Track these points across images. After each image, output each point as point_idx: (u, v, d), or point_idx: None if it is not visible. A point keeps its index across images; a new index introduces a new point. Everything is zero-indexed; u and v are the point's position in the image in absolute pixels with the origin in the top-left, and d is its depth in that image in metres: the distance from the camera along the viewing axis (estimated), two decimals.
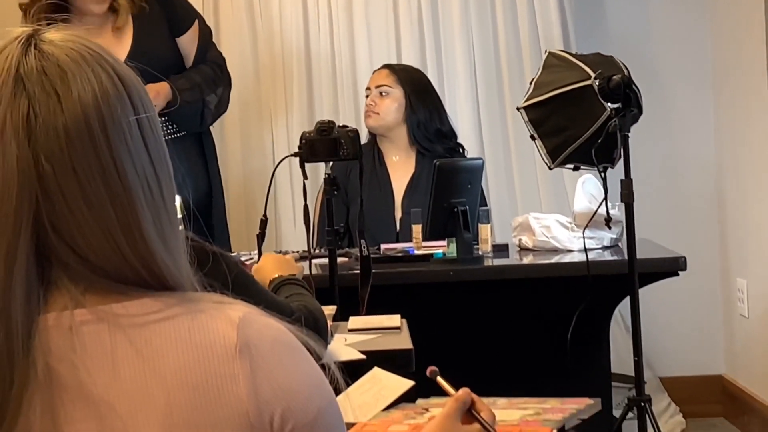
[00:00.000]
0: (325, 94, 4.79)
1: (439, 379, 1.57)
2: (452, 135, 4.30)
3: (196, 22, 4.19)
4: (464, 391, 1.48)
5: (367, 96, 4.30)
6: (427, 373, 1.59)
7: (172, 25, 4.11)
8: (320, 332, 2.27)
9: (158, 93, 3.94)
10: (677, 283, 3.95)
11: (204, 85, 4.13)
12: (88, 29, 3.90)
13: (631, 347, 3.52)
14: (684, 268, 3.65)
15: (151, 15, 4.04)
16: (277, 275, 2.56)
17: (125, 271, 1.11)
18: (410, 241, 3.83)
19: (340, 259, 3.42)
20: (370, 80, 4.33)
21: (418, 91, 4.24)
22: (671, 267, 3.69)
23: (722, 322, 4.95)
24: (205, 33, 4.21)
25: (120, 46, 3.98)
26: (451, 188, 3.73)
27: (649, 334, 4.28)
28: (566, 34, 4.77)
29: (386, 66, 4.34)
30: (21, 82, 1.10)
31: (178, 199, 1.20)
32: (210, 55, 4.20)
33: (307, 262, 3.18)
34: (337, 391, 1.20)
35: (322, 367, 1.16)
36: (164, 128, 4.02)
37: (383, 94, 4.23)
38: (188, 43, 4.15)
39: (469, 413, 1.48)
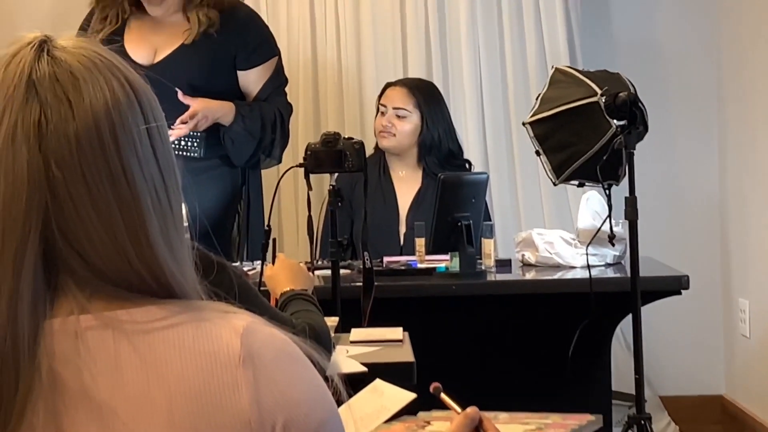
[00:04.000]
0: (330, 106, 4.80)
1: (443, 395, 1.57)
2: (460, 153, 4.31)
3: (272, 60, 4.09)
4: (473, 409, 1.49)
5: (381, 113, 4.26)
6: (431, 390, 1.59)
7: (239, 57, 4.02)
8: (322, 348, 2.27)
9: (208, 108, 3.90)
10: (679, 302, 3.95)
11: (268, 122, 4.05)
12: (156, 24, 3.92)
13: (632, 365, 3.51)
14: (687, 287, 3.65)
15: (219, 39, 3.96)
16: (288, 288, 2.55)
17: (131, 277, 1.11)
18: (413, 254, 3.83)
19: (342, 271, 3.42)
20: (386, 97, 4.28)
21: (434, 114, 4.23)
22: (674, 286, 3.69)
23: (723, 341, 4.95)
24: (276, 79, 4.10)
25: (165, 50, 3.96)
26: (455, 202, 3.74)
27: (650, 353, 4.27)
28: (573, 50, 4.78)
29: (405, 85, 4.29)
30: (33, 87, 1.10)
31: (184, 207, 1.20)
32: (276, 99, 4.11)
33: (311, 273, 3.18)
34: (339, 403, 1.20)
35: (326, 379, 1.16)
36: (195, 148, 3.97)
37: (400, 116, 4.22)
38: (254, 78, 4.07)
39: None
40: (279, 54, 4.15)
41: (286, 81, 4.19)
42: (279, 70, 4.13)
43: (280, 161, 4.20)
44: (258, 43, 4.07)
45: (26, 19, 4.74)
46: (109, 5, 3.99)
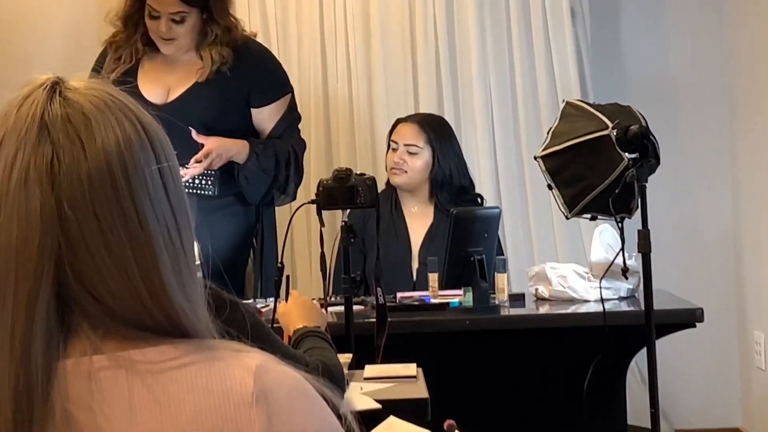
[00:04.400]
0: (342, 142, 4.81)
1: None
2: (472, 187, 4.31)
3: (285, 97, 4.10)
4: None
5: (393, 149, 4.26)
6: (445, 427, 1.59)
7: (253, 94, 4.03)
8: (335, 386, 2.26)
9: (222, 146, 3.91)
10: (694, 335, 3.93)
11: (282, 159, 4.06)
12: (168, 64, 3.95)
13: (647, 399, 3.49)
14: (701, 320, 3.64)
15: (232, 77, 3.97)
16: (301, 325, 2.55)
17: (144, 317, 1.11)
18: (426, 290, 3.82)
19: (356, 307, 3.42)
20: (397, 134, 4.27)
21: (445, 150, 4.23)
22: (688, 318, 3.68)
23: (739, 374, 4.92)
24: (289, 116, 4.11)
25: (180, 88, 3.98)
26: (467, 237, 3.73)
27: (666, 386, 4.26)
28: (584, 84, 4.79)
29: (416, 121, 4.29)
30: (45, 128, 1.11)
31: (196, 246, 1.20)
32: (290, 136, 4.12)
33: (324, 309, 3.17)
34: None
35: (339, 416, 1.16)
36: (209, 187, 3.98)
37: (412, 152, 4.22)
38: (268, 116, 4.08)
39: None
40: (292, 91, 4.16)
41: (299, 118, 4.20)
42: (292, 107, 4.14)
43: (294, 198, 4.20)
44: (271, 80, 4.09)
45: (39, 61, 4.77)
46: (123, 45, 4.01)
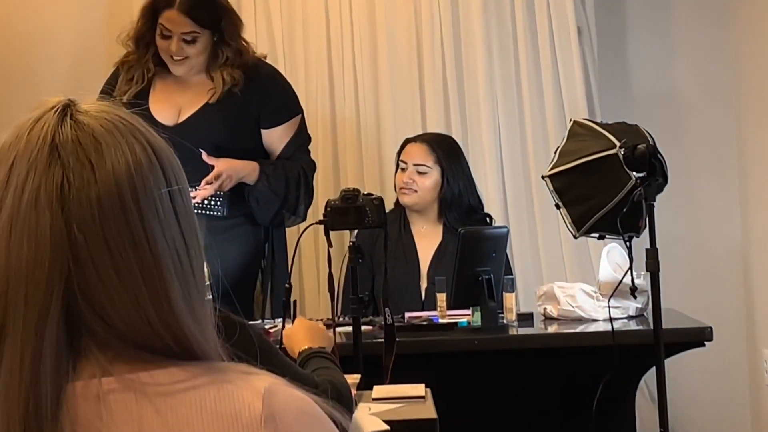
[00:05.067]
0: (350, 162, 4.81)
1: None
2: (480, 207, 4.31)
3: (295, 118, 4.11)
4: None
5: (402, 169, 4.26)
6: None
7: (263, 115, 4.04)
8: (344, 407, 2.26)
9: (233, 168, 3.92)
10: (703, 354, 3.92)
11: (292, 180, 4.06)
12: (180, 86, 3.97)
13: (656, 418, 3.49)
14: (710, 339, 3.63)
15: (242, 98, 3.98)
16: (306, 347, 2.55)
17: (153, 340, 1.12)
18: (435, 310, 3.82)
19: (364, 328, 3.41)
20: (406, 153, 4.27)
21: (454, 169, 4.23)
22: (697, 337, 3.67)
23: (749, 393, 4.91)
24: (299, 138, 4.12)
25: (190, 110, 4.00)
26: (475, 256, 3.73)
27: (675, 405, 4.25)
28: (591, 103, 4.79)
29: (425, 141, 4.28)
30: (56, 151, 1.11)
31: (206, 268, 1.20)
32: (300, 157, 4.13)
33: (332, 330, 3.17)
34: None
35: None
36: (217, 207, 3.99)
37: (421, 172, 4.22)
38: (278, 137, 4.09)
39: None
40: (302, 112, 4.17)
41: (309, 139, 4.21)
42: (302, 127, 4.15)
43: (304, 219, 4.20)
44: (281, 101, 4.10)
45: (46, 80, 4.79)
46: (135, 65, 4.03)
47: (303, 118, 4.16)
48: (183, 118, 4.00)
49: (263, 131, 4.07)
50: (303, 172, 4.11)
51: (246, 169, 3.98)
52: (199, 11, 3.93)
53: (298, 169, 4.09)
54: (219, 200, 3.97)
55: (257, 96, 4.01)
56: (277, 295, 4.06)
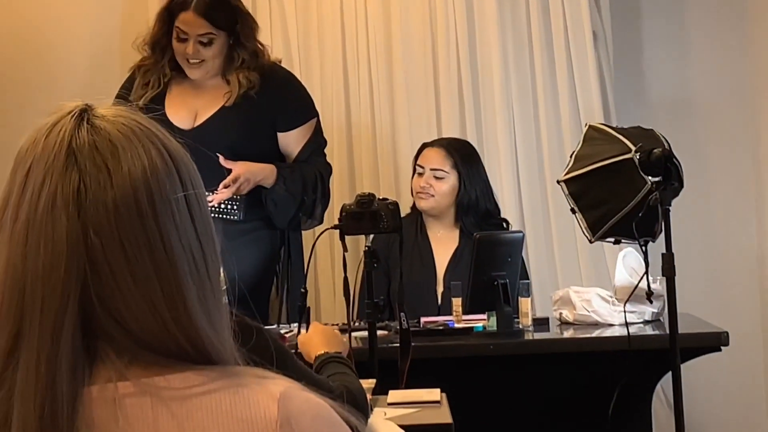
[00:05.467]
0: (365, 166, 4.81)
1: None
2: (497, 211, 4.31)
3: (311, 122, 4.12)
4: None
5: (419, 173, 4.25)
6: None
7: (279, 119, 4.06)
8: (359, 412, 2.26)
9: (250, 171, 3.92)
10: (719, 359, 3.91)
11: (309, 183, 4.06)
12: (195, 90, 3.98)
13: (673, 423, 3.48)
14: (726, 344, 3.62)
15: (258, 102, 3.99)
16: (323, 351, 2.56)
17: (169, 344, 1.12)
18: (451, 314, 3.82)
19: (379, 332, 3.41)
20: (423, 158, 4.27)
21: (471, 174, 4.23)
22: (714, 342, 3.66)
23: (765, 397, 4.89)
24: (315, 141, 4.13)
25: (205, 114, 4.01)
26: (491, 261, 3.73)
27: (692, 410, 4.23)
28: (606, 107, 4.78)
29: (442, 146, 4.28)
30: (73, 155, 1.12)
31: (222, 272, 1.21)
32: (316, 160, 4.13)
33: (347, 335, 3.17)
34: None
35: None
36: (235, 211, 4.00)
37: (438, 177, 4.22)
38: (294, 140, 4.10)
39: None
40: (317, 115, 4.18)
41: (325, 142, 4.21)
42: (318, 131, 4.16)
43: (321, 221, 4.20)
44: (297, 105, 4.11)
45: (63, 84, 4.80)
46: (151, 70, 4.04)
47: (318, 121, 4.17)
48: (199, 121, 4.01)
49: (279, 134, 4.07)
50: (320, 175, 4.11)
51: (263, 172, 3.99)
52: (215, 12, 3.94)
53: (315, 172, 4.10)
54: (236, 204, 3.98)
55: (274, 99, 4.02)
56: (293, 300, 4.06)
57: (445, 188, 4.21)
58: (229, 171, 3.90)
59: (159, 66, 4.03)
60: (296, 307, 3.92)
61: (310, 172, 4.09)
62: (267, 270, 4.11)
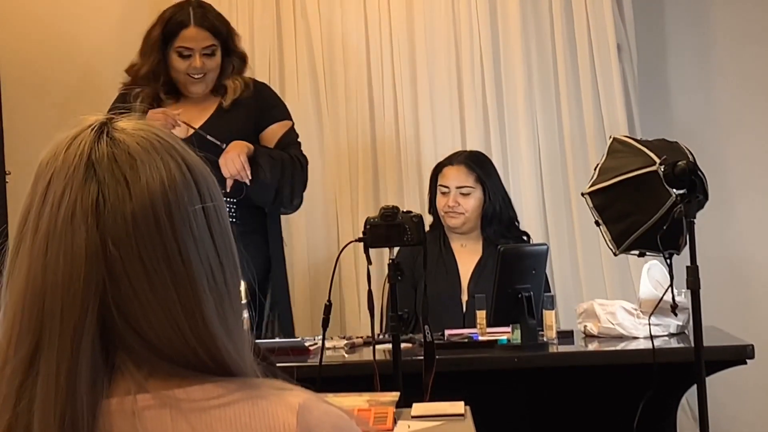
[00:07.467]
0: (389, 180, 4.82)
1: None
2: (516, 218, 4.33)
3: (287, 121, 4.23)
4: None
5: (443, 193, 4.24)
6: None
7: (261, 118, 4.18)
8: None
9: (236, 147, 4.00)
10: (745, 372, 3.89)
11: (287, 165, 4.14)
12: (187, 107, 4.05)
13: None
14: (752, 357, 3.60)
15: (246, 106, 4.13)
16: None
17: (188, 355, 1.12)
18: (476, 325, 3.81)
19: (404, 345, 3.41)
20: (445, 178, 4.26)
21: (493, 184, 4.25)
22: (739, 355, 3.64)
23: None
24: (292, 134, 4.23)
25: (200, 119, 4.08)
26: (515, 274, 3.72)
27: (717, 423, 4.21)
28: (631, 120, 4.77)
29: (461, 162, 4.27)
30: (92, 168, 1.13)
31: (242, 284, 1.21)
32: (293, 150, 4.22)
33: (371, 347, 3.18)
34: None
35: None
36: (232, 213, 4.04)
37: (465, 194, 4.23)
38: (271, 134, 4.19)
39: None
40: (293, 122, 4.26)
41: (300, 143, 4.29)
42: (293, 130, 4.26)
43: (299, 204, 4.27)
44: (275, 103, 4.25)
45: (95, 65, 4.83)
46: (146, 98, 4.12)
47: (293, 126, 4.26)
48: (197, 126, 4.07)
49: (260, 136, 4.18)
50: (295, 157, 4.19)
51: (248, 146, 4.06)
52: (213, 22, 4.07)
53: (290, 153, 4.18)
54: (232, 206, 4.04)
55: (257, 99, 4.16)
56: (281, 312, 4.19)
57: (473, 203, 4.23)
58: (242, 185, 3.97)
59: (154, 93, 4.10)
60: (283, 317, 4.16)
61: (286, 153, 4.17)
62: (259, 277, 4.15)
